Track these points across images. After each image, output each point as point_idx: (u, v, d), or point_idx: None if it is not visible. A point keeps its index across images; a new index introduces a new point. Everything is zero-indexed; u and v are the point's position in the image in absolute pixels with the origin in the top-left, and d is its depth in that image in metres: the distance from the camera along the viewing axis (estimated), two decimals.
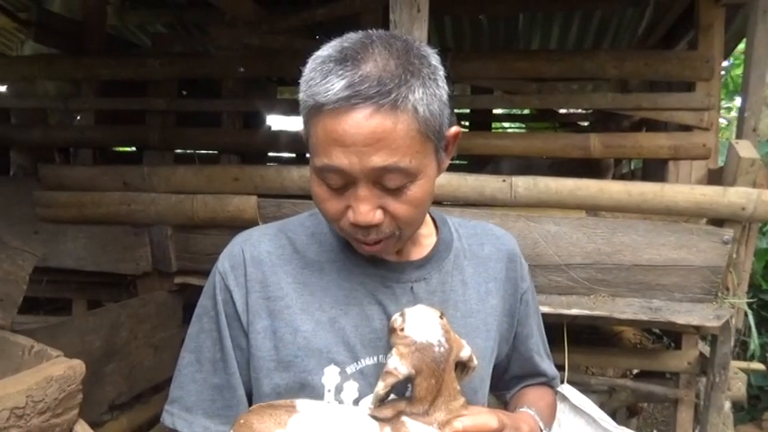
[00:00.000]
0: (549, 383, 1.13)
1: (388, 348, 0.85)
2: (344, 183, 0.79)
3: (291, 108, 3.54)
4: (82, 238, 2.40)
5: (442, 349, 0.81)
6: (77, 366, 1.15)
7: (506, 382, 1.12)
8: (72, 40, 3.32)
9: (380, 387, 0.80)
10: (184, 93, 3.56)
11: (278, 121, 4.71)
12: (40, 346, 1.18)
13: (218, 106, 3.09)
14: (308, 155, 0.85)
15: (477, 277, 0.99)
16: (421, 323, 0.83)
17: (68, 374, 1.12)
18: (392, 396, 0.86)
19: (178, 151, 3.31)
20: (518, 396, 1.09)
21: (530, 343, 1.07)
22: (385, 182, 0.78)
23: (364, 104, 0.74)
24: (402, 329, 0.83)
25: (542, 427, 0.98)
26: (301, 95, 0.80)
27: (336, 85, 0.74)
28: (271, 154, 3.95)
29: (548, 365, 1.12)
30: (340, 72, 0.75)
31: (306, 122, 0.82)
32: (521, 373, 1.10)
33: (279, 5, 3.42)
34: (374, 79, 0.74)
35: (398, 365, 0.80)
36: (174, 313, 2.47)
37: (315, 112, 0.77)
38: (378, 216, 0.80)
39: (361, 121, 0.74)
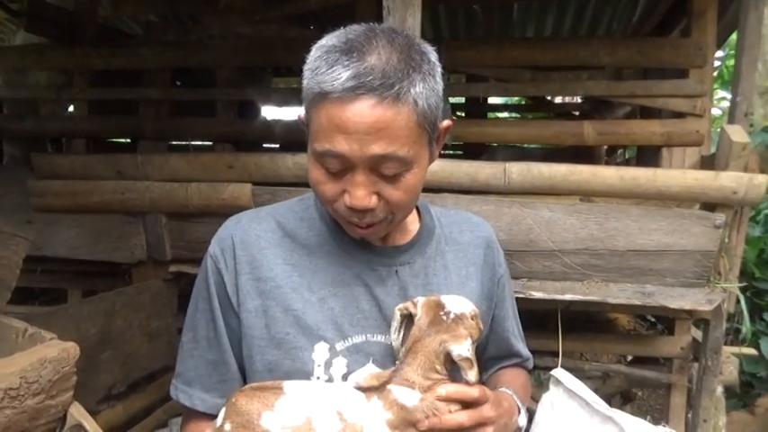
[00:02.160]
0: (522, 364, 1.19)
1: (379, 326, 0.93)
2: (343, 168, 0.83)
3: (286, 98, 3.53)
4: (76, 227, 2.40)
5: (443, 318, 0.87)
6: (71, 349, 1.16)
7: (483, 363, 1.17)
8: (64, 30, 3.29)
9: (401, 305, 0.90)
10: (178, 83, 3.54)
11: (272, 112, 4.69)
12: (34, 329, 1.18)
13: (211, 96, 3.08)
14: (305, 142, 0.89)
15: (457, 262, 1.04)
16: (456, 300, 0.91)
17: (62, 356, 1.12)
18: (378, 370, 0.90)
19: (172, 142, 3.30)
20: (495, 377, 1.15)
21: (506, 324, 1.13)
22: (382, 169, 0.83)
23: (368, 95, 0.78)
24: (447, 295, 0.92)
25: (519, 406, 1.02)
26: (305, 83, 0.84)
27: (342, 75, 0.78)
28: (265, 144, 3.94)
29: (522, 347, 1.18)
30: (346, 63, 0.79)
31: (308, 108, 0.85)
32: (497, 353, 1.16)
33: None
34: (379, 72, 0.78)
35: (420, 303, 0.89)
36: (168, 302, 2.47)
37: (319, 99, 0.81)
38: (373, 201, 0.84)
39: (365, 110, 0.78)
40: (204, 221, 2.29)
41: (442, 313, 0.87)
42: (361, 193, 0.83)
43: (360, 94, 0.78)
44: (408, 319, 0.90)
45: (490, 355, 1.16)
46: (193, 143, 3.33)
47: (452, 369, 0.88)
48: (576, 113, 4.78)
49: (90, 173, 2.34)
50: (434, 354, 0.85)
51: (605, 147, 3.96)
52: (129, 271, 2.48)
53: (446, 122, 0.92)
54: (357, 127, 0.79)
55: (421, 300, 0.90)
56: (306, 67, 0.84)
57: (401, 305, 0.90)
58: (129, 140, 3.87)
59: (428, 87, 0.83)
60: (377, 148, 0.80)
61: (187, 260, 2.36)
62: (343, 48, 0.80)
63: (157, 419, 2.42)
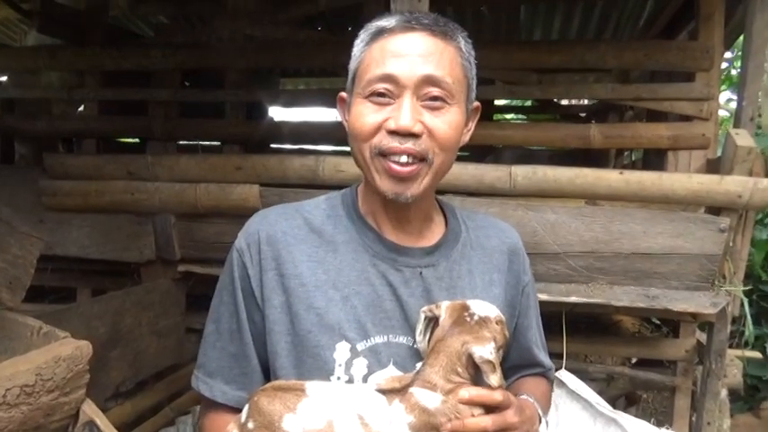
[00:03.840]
0: (544, 374, 1.16)
1: (401, 327, 0.93)
2: (392, 93, 0.88)
3: (294, 99, 3.56)
4: (86, 227, 2.44)
5: (468, 319, 0.87)
6: (85, 347, 1.18)
7: (505, 372, 1.15)
8: (75, 31, 3.33)
9: (425, 308, 0.91)
10: (187, 83, 3.57)
11: (280, 113, 4.72)
12: (49, 327, 1.21)
13: (220, 97, 3.11)
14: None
15: (482, 267, 1.03)
16: (481, 304, 0.92)
17: (76, 354, 1.15)
18: (400, 373, 0.91)
19: (182, 142, 3.34)
20: (516, 385, 1.13)
21: (529, 334, 1.11)
22: (429, 93, 0.87)
23: (421, 29, 0.89)
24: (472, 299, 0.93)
25: (540, 415, 1.01)
26: (355, 51, 0.94)
27: (396, 17, 0.90)
28: (273, 145, 3.97)
29: (544, 357, 1.15)
30: (398, 15, 0.90)
31: (360, 54, 0.93)
32: (519, 362, 1.13)
33: None
34: (431, 18, 0.90)
35: (444, 306, 0.90)
36: (177, 301, 2.50)
37: (375, 36, 0.91)
38: (418, 126, 0.87)
39: (417, 38, 0.88)
40: (213, 222, 2.32)
41: (466, 314, 0.87)
42: (406, 115, 0.86)
43: (413, 27, 0.88)
44: (434, 321, 0.90)
45: (512, 364, 1.14)
46: (202, 143, 3.37)
47: (476, 375, 0.86)
48: (583, 115, 4.79)
49: (101, 173, 2.38)
50: (456, 355, 0.84)
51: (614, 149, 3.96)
52: (137, 270, 2.51)
53: (476, 103, 0.99)
54: (410, 50, 0.87)
55: (446, 303, 0.90)
56: (361, 31, 0.94)
57: (425, 307, 0.90)
58: (137, 140, 3.91)
59: (468, 48, 0.93)
60: (427, 69, 0.86)
61: (196, 260, 2.39)
62: (389, 18, 0.91)
63: (165, 417, 2.45)
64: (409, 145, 0.86)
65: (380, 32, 0.89)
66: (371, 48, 0.90)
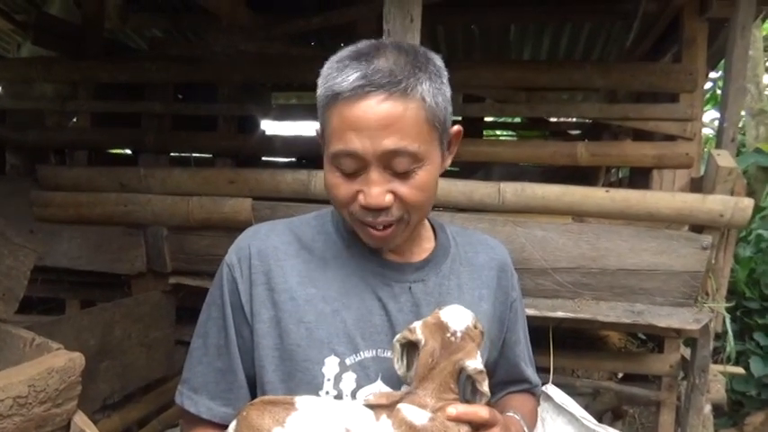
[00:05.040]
0: (531, 390, 1.17)
1: (390, 342, 0.91)
2: (357, 168, 0.86)
3: (285, 113, 3.60)
4: (77, 238, 2.44)
5: (452, 339, 0.86)
6: (77, 359, 1.19)
7: (492, 388, 1.15)
8: (70, 43, 3.35)
9: (396, 337, 0.88)
10: (180, 96, 3.60)
11: (272, 126, 4.75)
12: (41, 338, 1.22)
13: (213, 111, 3.14)
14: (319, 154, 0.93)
15: (471, 283, 1.03)
16: (456, 313, 0.89)
17: (69, 366, 1.16)
18: (388, 390, 0.91)
19: (173, 154, 3.35)
20: (503, 402, 1.13)
21: (517, 350, 1.11)
22: (395, 165, 0.85)
23: (377, 92, 0.82)
24: (441, 309, 0.90)
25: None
26: (319, 91, 0.88)
27: (351, 77, 0.83)
28: (265, 158, 4.00)
29: (531, 373, 1.16)
30: (355, 66, 0.84)
31: (322, 114, 0.89)
32: (507, 378, 1.13)
33: (275, 13, 3.48)
34: (386, 71, 0.82)
35: (418, 328, 0.87)
36: (167, 313, 2.50)
37: (332, 101, 0.85)
38: (388, 199, 0.86)
39: (374, 106, 0.82)
40: (204, 235, 2.33)
41: (449, 335, 0.87)
42: (375, 191, 0.85)
43: (369, 91, 0.82)
44: (410, 345, 0.89)
45: (499, 380, 1.12)
46: (194, 156, 3.38)
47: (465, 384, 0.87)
48: (577, 132, 4.86)
49: (93, 185, 2.39)
50: (450, 375, 0.85)
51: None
52: (128, 282, 2.51)
53: (456, 127, 0.95)
54: (368, 123, 0.82)
55: (418, 325, 0.88)
56: (319, 80, 0.89)
57: (399, 336, 0.88)
58: (130, 152, 3.92)
59: (435, 86, 0.86)
60: (388, 143, 0.82)
61: (187, 272, 2.40)
62: (353, 56, 0.86)
63: (153, 430, 2.44)
64: (383, 217, 0.88)
65: (336, 97, 0.84)
66: (331, 114, 0.86)
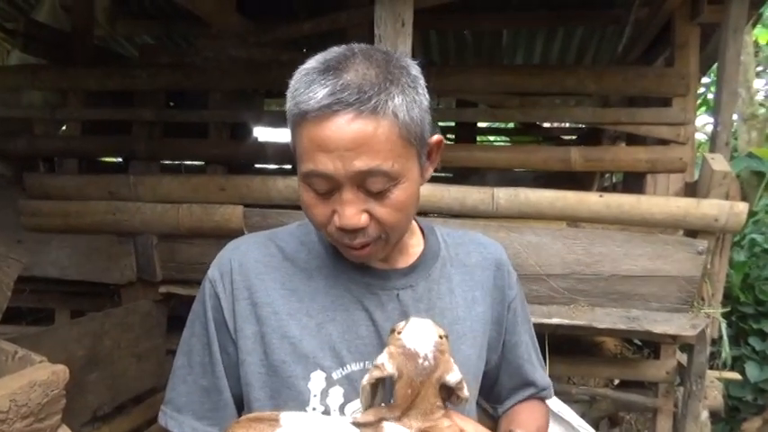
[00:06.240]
0: (539, 395, 1.11)
1: (378, 353, 0.86)
2: (330, 188, 0.81)
3: (278, 119, 3.57)
4: (66, 248, 2.40)
5: (426, 363, 0.82)
6: (61, 372, 1.16)
7: (497, 395, 1.11)
8: (59, 51, 3.32)
9: (366, 379, 0.81)
10: (171, 104, 3.57)
11: (264, 133, 4.73)
12: (24, 351, 1.18)
13: (204, 118, 3.11)
14: (295, 164, 0.87)
15: (463, 285, 1.00)
16: (417, 333, 0.84)
17: (52, 379, 1.13)
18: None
19: (165, 162, 3.32)
20: (509, 417, 1.08)
21: (519, 351, 1.06)
22: (368, 185, 0.80)
23: (345, 111, 0.77)
24: (400, 333, 0.84)
25: None
26: (288, 106, 0.83)
27: (319, 94, 0.77)
28: (257, 165, 3.97)
29: (540, 375, 1.10)
30: (322, 81, 0.78)
31: (292, 131, 0.85)
32: (510, 383, 1.09)
33: (265, 19, 3.46)
34: (355, 87, 0.77)
35: (386, 362, 0.82)
36: (158, 323, 2.47)
37: (300, 120, 0.80)
38: (363, 219, 0.82)
39: (343, 126, 0.77)
40: (195, 243, 2.30)
41: (423, 362, 0.82)
42: (349, 212, 0.81)
43: (337, 110, 0.77)
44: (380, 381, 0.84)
45: (504, 385, 1.08)
46: (185, 163, 3.35)
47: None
48: (573, 137, 4.86)
49: (82, 193, 2.35)
50: (433, 395, 0.82)
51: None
52: (118, 291, 2.48)
53: (436, 137, 0.90)
54: (337, 144, 0.77)
55: (384, 359, 0.82)
56: (287, 93, 0.84)
57: (368, 378, 0.82)
58: (120, 160, 3.88)
59: (408, 99, 0.81)
60: (359, 164, 0.78)
61: (177, 281, 2.37)
62: (321, 68, 0.80)
63: None
64: (360, 239, 0.84)
65: (303, 115, 0.79)
66: (300, 132, 0.82)
